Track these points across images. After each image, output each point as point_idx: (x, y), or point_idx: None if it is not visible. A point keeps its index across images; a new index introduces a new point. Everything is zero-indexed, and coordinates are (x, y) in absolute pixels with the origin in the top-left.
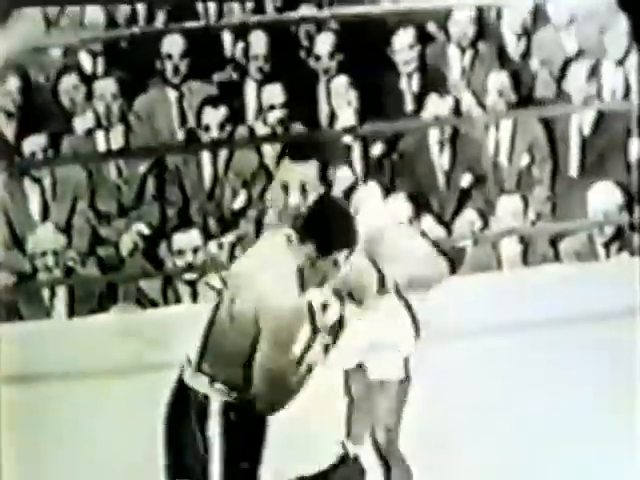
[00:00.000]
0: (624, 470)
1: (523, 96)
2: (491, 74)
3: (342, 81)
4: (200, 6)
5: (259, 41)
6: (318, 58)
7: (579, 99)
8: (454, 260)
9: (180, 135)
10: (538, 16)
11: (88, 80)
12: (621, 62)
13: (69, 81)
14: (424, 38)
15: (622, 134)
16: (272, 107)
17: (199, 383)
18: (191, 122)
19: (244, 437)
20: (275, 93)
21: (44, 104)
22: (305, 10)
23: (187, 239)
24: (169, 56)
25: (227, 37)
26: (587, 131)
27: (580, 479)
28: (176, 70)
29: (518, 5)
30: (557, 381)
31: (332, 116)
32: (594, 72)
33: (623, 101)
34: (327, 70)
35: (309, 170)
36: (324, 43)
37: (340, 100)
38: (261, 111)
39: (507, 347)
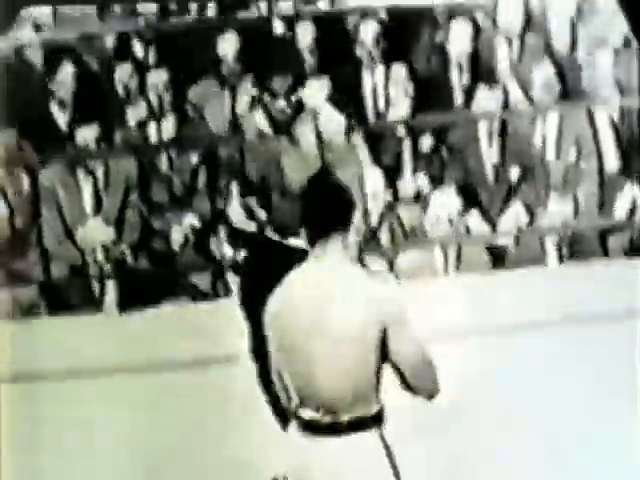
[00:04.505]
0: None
1: (569, 89)
2: (536, 66)
3: (399, 71)
4: None
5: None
6: (364, 45)
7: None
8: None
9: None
10: (584, 6)
11: (141, 70)
12: None
13: (125, 69)
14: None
15: None
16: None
17: None
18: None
19: None
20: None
21: (98, 93)
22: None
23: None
24: (223, 57)
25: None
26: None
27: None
28: (231, 71)
29: None
30: (603, 378)
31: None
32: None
33: None
34: (373, 60)
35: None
36: (372, 31)
37: (396, 90)
38: None
39: (552, 341)
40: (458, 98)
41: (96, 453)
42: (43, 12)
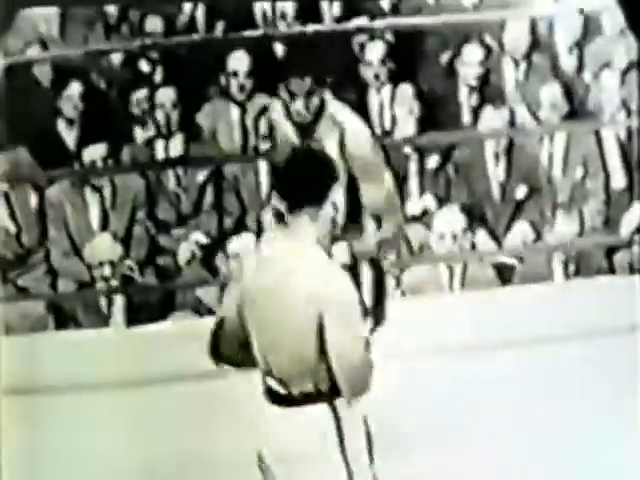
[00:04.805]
0: None
1: (576, 108)
2: (544, 86)
3: (406, 90)
4: (259, 15)
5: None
6: (370, 65)
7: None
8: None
9: (238, 144)
10: (590, 27)
11: (151, 88)
12: None
13: (141, 91)
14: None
15: None
16: None
17: None
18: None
19: None
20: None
21: (105, 111)
22: (361, 21)
23: (243, 243)
24: (235, 73)
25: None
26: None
27: None
28: (241, 88)
29: (570, 16)
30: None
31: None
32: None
33: None
34: (378, 77)
35: None
36: (378, 51)
37: (402, 109)
38: None
39: (556, 357)
40: (465, 117)
41: (99, 468)
42: (51, 31)
